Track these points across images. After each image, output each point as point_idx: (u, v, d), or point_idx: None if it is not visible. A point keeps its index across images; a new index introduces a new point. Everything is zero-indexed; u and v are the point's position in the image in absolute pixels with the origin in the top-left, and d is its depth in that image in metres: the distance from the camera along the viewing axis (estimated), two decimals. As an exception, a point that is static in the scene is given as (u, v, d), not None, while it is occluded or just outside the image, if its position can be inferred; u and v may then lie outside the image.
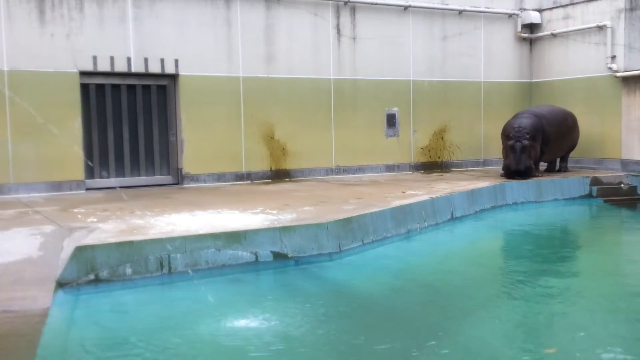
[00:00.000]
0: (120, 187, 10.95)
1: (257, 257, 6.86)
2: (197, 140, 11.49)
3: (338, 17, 12.68)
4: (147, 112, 11.42)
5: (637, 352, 4.79)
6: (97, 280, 6.05)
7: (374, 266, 7.33)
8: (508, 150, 11.69)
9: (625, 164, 12.98)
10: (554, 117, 12.29)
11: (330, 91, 12.70)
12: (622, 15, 13.02)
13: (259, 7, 11.93)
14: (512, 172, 11.63)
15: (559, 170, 13.02)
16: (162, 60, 11.15)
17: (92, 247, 6.12)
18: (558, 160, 13.12)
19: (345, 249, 7.46)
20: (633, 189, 12.17)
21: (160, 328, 5.26)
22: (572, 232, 10.25)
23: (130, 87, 11.23)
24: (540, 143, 11.92)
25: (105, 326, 5.33)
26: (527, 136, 11.51)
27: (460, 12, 13.88)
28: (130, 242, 6.30)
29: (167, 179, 11.58)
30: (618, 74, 13.01)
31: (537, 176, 12.07)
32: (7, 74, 10.07)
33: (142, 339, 5.04)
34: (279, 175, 12.23)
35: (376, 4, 12.94)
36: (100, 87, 10.99)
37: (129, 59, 10.89)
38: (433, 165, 13.89)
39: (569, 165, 13.35)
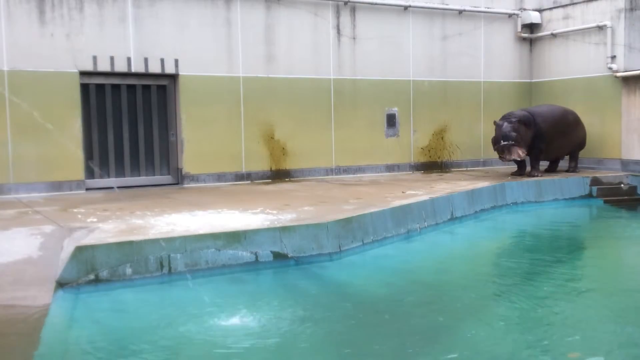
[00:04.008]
0: (121, 187, 10.96)
1: (257, 257, 6.86)
2: (197, 140, 11.49)
3: (338, 17, 12.68)
4: (147, 112, 11.42)
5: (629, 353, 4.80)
6: (97, 280, 6.05)
7: (374, 266, 7.34)
8: (495, 128, 11.92)
9: (625, 164, 12.97)
10: (549, 114, 12.29)
11: (330, 91, 12.70)
12: (622, 15, 13.02)
13: (259, 7, 11.93)
14: (497, 137, 11.74)
15: (568, 171, 12.97)
16: (162, 60, 11.16)
17: (92, 247, 6.13)
18: (568, 159, 13.08)
19: (345, 249, 7.47)
20: (633, 189, 12.16)
21: (159, 327, 5.27)
22: (572, 232, 10.24)
23: (130, 87, 11.23)
24: (536, 140, 11.92)
25: (105, 325, 5.33)
26: (514, 119, 11.70)
27: (460, 12, 13.89)
28: (130, 242, 6.30)
29: (167, 179, 11.58)
30: (618, 74, 13.01)
31: (537, 176, 12.07)
32: (7, 74, 10.07)
33: (141, 338, 5.04)
34: (279, 175, 12.23)
35: (376, 4, 12.94)
36: (100, 87, 10.99)
37: (129, 59, 10.89)
38: (433, 165, 13.89)
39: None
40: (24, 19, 10.17)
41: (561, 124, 12.41)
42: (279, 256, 6.98)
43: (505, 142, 11.59)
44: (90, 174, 10.87)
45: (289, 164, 12.34)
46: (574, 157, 13.06)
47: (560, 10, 14.31)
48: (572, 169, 13.02)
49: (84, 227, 7.12)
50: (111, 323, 5.40)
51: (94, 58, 10.64)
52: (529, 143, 11.90)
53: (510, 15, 14.55)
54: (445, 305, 5.98)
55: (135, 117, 11.31)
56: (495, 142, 11.84)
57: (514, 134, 11.56)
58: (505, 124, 11.69)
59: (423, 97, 13.69)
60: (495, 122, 12.01)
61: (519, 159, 11.88)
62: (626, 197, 12.02)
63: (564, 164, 13.22)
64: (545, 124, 12.03)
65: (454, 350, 4.82)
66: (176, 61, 11.27)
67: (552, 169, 13.03)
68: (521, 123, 11.68)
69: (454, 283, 6.81)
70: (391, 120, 13.39)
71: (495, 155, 14.13)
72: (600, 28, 13.33)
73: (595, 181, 12.04)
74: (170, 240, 6.46)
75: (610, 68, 13.13)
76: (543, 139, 12.01)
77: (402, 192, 9.96)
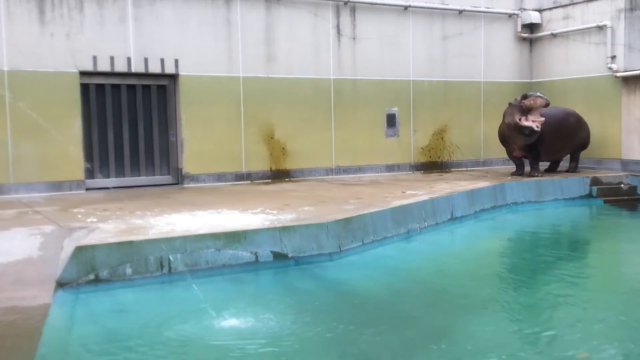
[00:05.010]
0: (121, 187, 10.96)
1: (257, 257, 6.86)
2: (197, 140, 11.49)
3: (338, 17, 12.68)
4: (147, 112, 11.42)
5: (635, 353, 4.80)
6: (97, 280, 6.05)
7: (374, 266, 7.33)
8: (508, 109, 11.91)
9: (625, 164, 12.98)
10: (551, 117, 12.26)
11: (330, 91, 12.70)
12: (622, 15, 13.02)
13: (259, 7, 11.93)
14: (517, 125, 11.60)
15: (568, 171, 12.97)
16: (162, 60, 11.16)
17: (92, 247, 6.12)
18: (568, 159, 13.09)
19: (345, 249, 7.46)
20: (633, 189, 12.16)
21: (159, 328, 5.26)
22: (572, 232, 10.25)
23: (130, 87, 11.24)
24: (537, 141, 11.89)
25: (105, 325, 5.33)
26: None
27: (460, 12, 13.89)
28: (130, 242, 6.30)
29: (167, 179, 11.58)
30: (618, 74, 13.01)
31: (537, 176, 12.07)
32: (7, 74, 10.07)
33: (142, 338, 5.04)
34: (279, 175, 12.22)
35: (376, 4, 12.94)
36: (100, 87, 10.99)
37: (129, 59, 10.90)
38: (433, 165, 13.89)
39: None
40: (24, 19, 10.17)
41: (562, 126, 12.38)
42: (279, 256, 6.98)
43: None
44: (90, 174, 10.87)
45: (289, 164, 12.34)
46: (574, 158, 13.06)
47: (560, 10, 14.31)
48: (573, 169, 13.03)
49: (84, 227, 7.12)
50: (111, 323, 5.40)
51: (94, 58, 10.64)
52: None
53: (510, 15, 14.55)
54: (446, 305, 5.98)
55: (135, 117, 11.31)
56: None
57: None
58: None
59: (423, 97, 13.69)
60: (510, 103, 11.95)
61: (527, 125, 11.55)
62: (626, 197, 12.02)
63: (564, 163, 13.23)
64: (546, 126, 12.00)
65: (454, 350, 4.82)
66: (176, 61, 11.27)
67: (552, 169, 13.03)
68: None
69: (454, 283, 6.80)
70: (391, 120, 13.39)
71: (495, 155, 14.23)
72: (600, 28, 13.33)
73: (595, 181, 12.03)
74: (170, 240, 6.45)
75: (610, 68, 13.13)
76: (542, 141, 11.99)
77: (402, 192, 9.96)
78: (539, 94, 11.80)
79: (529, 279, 6.94)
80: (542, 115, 12.08)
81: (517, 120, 11.61)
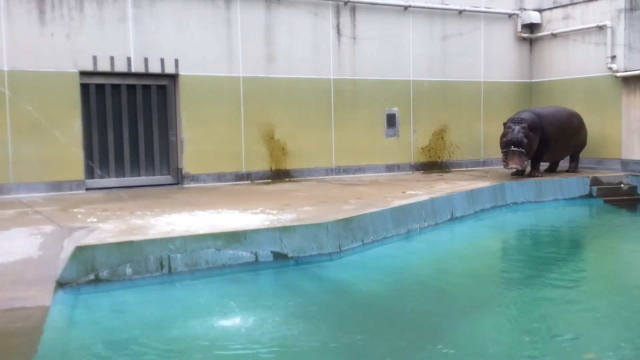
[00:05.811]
0: (121, 187, 10.96)
1: (257, 257, 6.86)
2: (197, 140, 11.49)
3: (338, 17, 12.68)
4: (147, 112, 11.42)
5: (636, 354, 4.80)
6: (97, 280, 6.05)
7: (374, 266, 7.34)
8: (506, 130, 11.65)
9: (625, 164, 12.98)
10: (555, 118, 12.26)
11: (330, 91, 12.70)
12: (622, 15, 13.02)
13: (259, 7, 11.93)
14: (508, 141, 11.44)
15: (568, 171, 12.96)
16: (162, 60, 11.16)
17: (92, 247, 6.13)
18: (568, 160, 13.08)
19: (345, 249, 7.47)
20: (633, 189, 12.16)
21: (160, 328, 5.27)
22: (572, 232, 10.25)
23: (130, 87, 11.23)
24: (540, 142, 11.87)
25: (105, 326, 5.33)
26: (525, 125, 11.50)
27: (460, 12, 13.89)
28: (130, 242, 6.30)
29: (167, 179, 11.59)
30: (618, 74, 13.01)
31: (537, 176, 12.07)
32: (7, 74, 10.07)
33: (142, 338, 5.04)
34: (279, 175, 12.23)
35: (376, 4, 12.94)
36: (100, 87, 10.99)
37: (129, 59, 10.89)
38: (433, 165, 13.89)
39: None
40: (24, 19, 10.16)
41: (566, 128, 12.37)
42: (279, 256, 6.98)
43: (516, 149, 11.40)
44: (90, 174, 10.87)
45: (289, 164, 12.34)
46: (574, 158, 13.06)
47: (560, 10, 14.31)
48: (573, 169, 13.03)
49: (84, 227, 7.12)
50: (111, 323, 5.40)
51: (94, 58, 10.64)
52: (535, 148, 11.82)
53: (510, 15, 14.55)
54: (446, 305, 5.98)
55: (135, 117, 11.31)
56: (505, 145, 11.59)
57: (525, 140, 11.38)
58: (518, 128, 11.44)
59: (423, 97, 13.69)
60: (505, 125, 11.74)
61: (520, 169, 11.61)
62: (626, 197, 12.02)
63: (564, 163, 13.23)
64: (551, 128, 11.99)
65: (454, 350, 4.82)
66: (176, 61, 11.27)
67: (552, 169, 13.03)
68: (530, 129, 11.53)
69: (454, 283, 6.81)
70: (391, 120, 13.39)
71: (495, 155, 14.18)
72: (600, 28, 13.33)
73: (595, 181, 12.03)
74: (170, 240, 6.46)
75: (610, 68, 13.13)
76: (547, 142, 11.98)
77: (402, 192, 9.96)
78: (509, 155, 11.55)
79: (530, 278, 6.94)
80: (546, 116, 12.07)
81: (502, 161, 11.69)
